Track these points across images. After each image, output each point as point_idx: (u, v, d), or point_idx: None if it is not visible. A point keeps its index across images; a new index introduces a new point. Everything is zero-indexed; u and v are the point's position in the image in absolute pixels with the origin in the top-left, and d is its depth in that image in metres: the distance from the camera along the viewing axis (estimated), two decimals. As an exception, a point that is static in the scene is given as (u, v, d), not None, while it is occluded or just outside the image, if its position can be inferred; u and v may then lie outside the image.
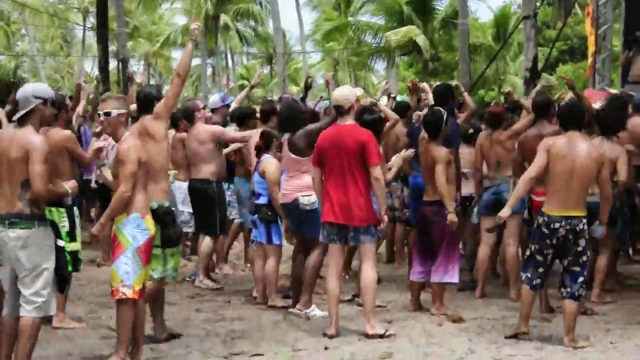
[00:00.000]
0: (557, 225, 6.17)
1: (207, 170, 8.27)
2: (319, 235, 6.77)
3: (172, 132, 9.31)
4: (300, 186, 7.13)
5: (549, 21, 42.68)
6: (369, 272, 6.45)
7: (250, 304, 7.70)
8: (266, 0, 38.23)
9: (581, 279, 6.26)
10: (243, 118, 8.89)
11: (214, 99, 9.62)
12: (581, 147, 6.21)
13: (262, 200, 7.51)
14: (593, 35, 14.11)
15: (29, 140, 5.01)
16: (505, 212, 6.39)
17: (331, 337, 6.39)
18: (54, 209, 6.37)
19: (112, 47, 25.66)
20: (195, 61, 57.82)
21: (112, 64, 24.32)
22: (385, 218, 6.58)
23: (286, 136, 7.33)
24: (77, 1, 48.85)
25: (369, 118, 6.96)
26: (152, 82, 57.51)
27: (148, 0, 27.28)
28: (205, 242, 8.35)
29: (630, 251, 9.73)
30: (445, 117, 7.23)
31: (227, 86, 45.72)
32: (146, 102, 6.23)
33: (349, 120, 6.59)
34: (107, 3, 19.41)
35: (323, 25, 40.95)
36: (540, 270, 6.31)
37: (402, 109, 9.06)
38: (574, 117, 6.39)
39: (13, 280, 5.12)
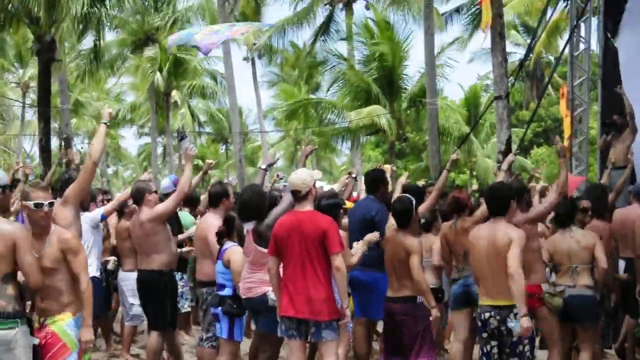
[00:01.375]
0: (487, 315, 6.27)
1: (157, 260, 8.04)
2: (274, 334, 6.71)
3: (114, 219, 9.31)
4: (266, 280, 6.92)
5: (522, 102, 43.86)
6: (329, 371, 6.33)
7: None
8: (222, 77, 38.63)
9: None
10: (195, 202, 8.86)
11: (166, 183, 9.60)
12: (496, 233, 6.40)
13: (227, 292, 7.40)
14: (569, 117, 14.44)
15: (9, 231, 4.98)
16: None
17: None
18: None
19: (54, 125, 25.68)
20: (145, 140, 58.15)
21: (55, 143, 24.31)
22: (348, 312, 6.54)
23: (249, 225, 7.19)
24: (16, 76, 48.90)
25: (327, 203, 7.00)
26: (97, 162, 57.42)
27: (93, 75, 27.34)
28: (153, 338, 8.16)
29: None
30: (414, 204, 7.20)
31: (180, 167, 45.74)
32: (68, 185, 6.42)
33: (308, 206, 6.56)
34: (49, 78, 19.49)
35: (283, 103, 41.46)
36: None
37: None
38: (496, 203, 6.60)
39: None
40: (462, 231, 7.95)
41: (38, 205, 5.43)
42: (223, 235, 7.53)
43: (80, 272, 5.41)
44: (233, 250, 7.36)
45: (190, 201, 10.15)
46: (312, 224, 6.43)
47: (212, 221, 7.95)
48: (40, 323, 5.45)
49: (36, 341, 5.15)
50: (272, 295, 6.89)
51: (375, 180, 8.35)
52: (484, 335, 6.44)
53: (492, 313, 6.37)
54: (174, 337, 8.43)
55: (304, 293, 6.36)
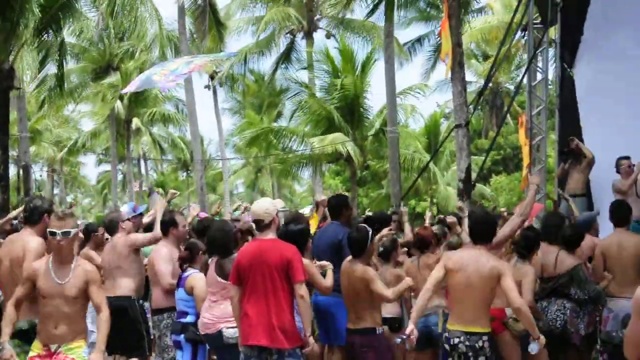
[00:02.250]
0: (456, 340, 6.36)
1: (127, 286, 8.11)
2: None
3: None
4: (225, 314, 6.94)
5: (481, 130, 44.33)
6: (293, 401, 6.32)
7: None
8: (183, 104, 38.58)
9: None
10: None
11: (125, 209, 9.59)
12: (480, 261, 6.43)
13: (190, 319, 7.40)
14: (527, 145, 14.61)
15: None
16: (409, 328, 6.40)
17: None
18: None
19: (12, 153, 25.44)
20: (105, 167, 57.77)
21: (13, 171, 24.06)
22: (312, 340, 6.54)
23: (214, 257, 7.22)
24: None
25: (296, 229, 7.03)
26: (56, 190, 56.93)
27: (54, 103, 27.21)
28: None
29: None
30: (370, 234, 7.14)
31: (140, 193, 45.48)
32: (33, 214, 6.60)
33: (270, 235, 6.56)
34: (7, 107, 19.33)
35: (244, 130, 41.45)
36: None
37: None
38: (483, 230, 6.65)
39: None
40: (425, 267, 8.04)
41: (52, 234, 5.81)
42: (186, 260, 7.54)
43: (101, 302, 5.94)
44: (195, 277, 7.37)
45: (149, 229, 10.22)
46: (275, 252, 6.43)
47: (161, 250, 8.00)
48: (52, 350, 5.81)
49: None
50: (227, 333, 6.92)
51: (339, 206, 8.39)
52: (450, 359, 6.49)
53: (462, 338, 6.41)
54: None
55: (266, 321, 6.34)
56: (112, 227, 8.49)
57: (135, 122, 41.46)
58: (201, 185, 29.14)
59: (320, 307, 7.93)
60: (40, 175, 53.07)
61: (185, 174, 59.13)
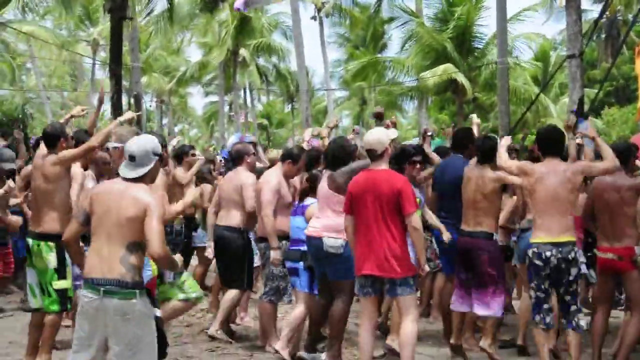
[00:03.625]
0: (548, 254, 6.42)
1: (237, 218, 8.35)
2: (344, 281, 6.81)
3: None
4: (329, 226, 7.12)
5: (593, 60, 42.93)
6: (408, 326, 6.41)
7: (276, 358, 7.69)
8: (290, 31, 38.56)
9: (574, 307, 6.52)
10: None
11: (233, 139, 9.77)
12: (559, 170, 6.59)
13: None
14: (643, 76, 14.07)
15: (145, 198, 4.84)
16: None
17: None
18: (42, 243, 6.56)
19: (123, 83, 26.04)
20: (212, 98, 58.62)
21: (124, 101, 24.65)
22: (427, 267, 6.60)
23: (327, 172, 7.36)
24: (86, 34, 49.52)
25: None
26: (164, 120, 58.23)
27: (165, 33, 27.66)
28: (230, 294, 8.39)
29: None
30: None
31: (246, 124, 46.09)
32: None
33: (383, 165, 6.60)
34: (121, 35, 19.70)
35: (350, 62, 41.30)
36: (546, 306, 6.57)
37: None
38: (551, 143, 6.73)
39: (102, 356, 4.89)
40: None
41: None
42: (307, 192, 7.69)
43: None
44: (315, 206, 7.50)
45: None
46: (387, 183, 6.47)
47: (271, 177, 8.09)
48: None
49: (158, 313, 5.17)
50: (327, 242, 7.08)
51: (464, 140, 8.37)
52: (542, 273, 6.49)
53: (553, 251, 6.41)
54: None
55: (379, 251, 6.41)
56: (238, 158, 8.60)
57: (242, 53, 41.78)
58: (307, 116, 29.23)
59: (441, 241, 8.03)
60: (150, 106, 54.25)
61: (290, 105, 59.46)
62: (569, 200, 6.54)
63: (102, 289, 4.72)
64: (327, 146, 7.84)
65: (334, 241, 7.05)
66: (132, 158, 4.99)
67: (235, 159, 8.68)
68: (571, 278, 6.47)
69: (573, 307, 6.54)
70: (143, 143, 5.07)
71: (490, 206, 7.44)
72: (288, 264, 7.77)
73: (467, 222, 7.50)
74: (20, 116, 17.69)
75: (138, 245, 4.80)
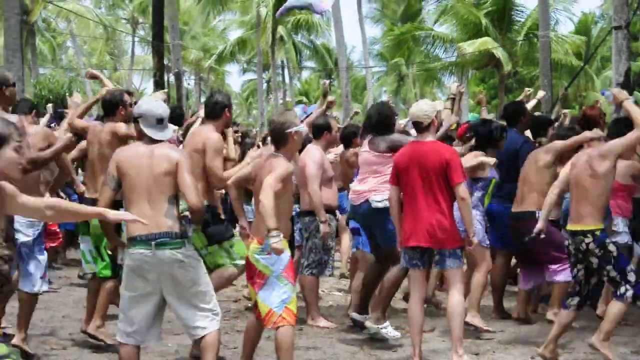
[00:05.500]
0: (587, 240, 6.31)
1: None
2: (396, 248, 6.84)
3: None
4: (372, 187, 7.26)
5: (635, 33, 42.22)
6: (456, 297, 6.39)
7: (324, 333, 7.74)
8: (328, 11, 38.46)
9: (617, 278, 6.30)
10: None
11: (296, 111, 9.76)
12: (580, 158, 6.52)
13: None
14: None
15: (174, 154, 5.17)
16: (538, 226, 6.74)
17: (415, 369, 6.39)
18: None
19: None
20: (250, 75, 58.75)
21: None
22: (475, 240, 6.56)
23: (369, 137, 7.45)
24: (126, 12, 49.78)
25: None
26: (202, 98, 58.46)
27: (203, 12, 27.73)
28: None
29: None
30: None
31: (284, 102, 46.13)
32: (215, 109, 6.84)
33: (430, 137, 6.57)
34: (162, 14, 19.79)
35: (387, 37, 41.04)
36: (577, 288, 6.47)
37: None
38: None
39: (158, 307, 5.19)
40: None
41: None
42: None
43: None
44: None
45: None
46: (434, 154, 6.43)
47: (314, 152, 8.11)
48: None
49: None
50: (374, 198, 7.17)
51: (517, 113, 8.45)
52: (571, 259, 6.52)
53: (569, 240, 6.43)
54: None
55: (427, 222, 6.38)
56: (318, 132, 8.33)
57: (280, 30, 41.77)
58: (346, 92, 29.24)
59: (494, 214, 8.02)
60: (189, 84, 54.53)
61: (329, 82, 59.40)
62: (589, 186, 6.32)
63: (153, 242, 4.97)
64: (369, 110, 7.93)
65: (380, 196, 7.12)
66: (160, 120, 5.27)
67: (315, 133, 8.34)
68: (594, 266, 6.31)
69: (617, 279, 6.28)
70: (167, 107, 5.43)
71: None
72: (352, 224, 7.97)
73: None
74: (67, 93, 17.81)
75: (175, 198, 5.12)
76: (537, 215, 7.19)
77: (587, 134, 6.92)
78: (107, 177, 5.26)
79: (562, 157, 7.46)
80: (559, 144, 7.67)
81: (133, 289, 5.12)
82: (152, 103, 5.44)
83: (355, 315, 7.56)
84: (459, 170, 6.38)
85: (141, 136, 5.34)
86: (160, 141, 5.24)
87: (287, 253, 5.62)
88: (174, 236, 5.02)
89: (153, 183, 5.06)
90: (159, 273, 5.02)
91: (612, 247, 6.26)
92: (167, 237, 5.00)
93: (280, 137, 5.83)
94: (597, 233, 6.24)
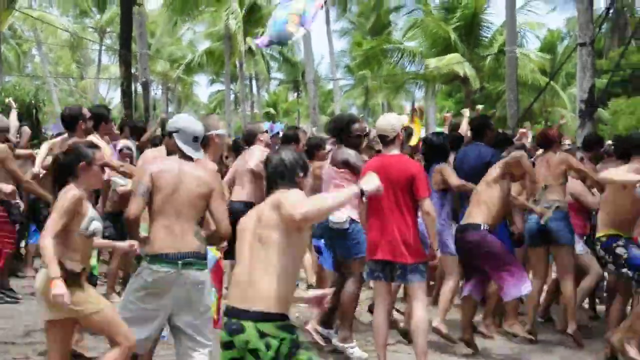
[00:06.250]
0: (619, 243, 6.55)
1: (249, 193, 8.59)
2: (352, 260, 6.87)
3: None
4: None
5: (600, 50, 42.70)
6: (419, 313, 6.37)
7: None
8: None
9: None
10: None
11: (263, 127, 10.00)
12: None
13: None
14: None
15: (208, 178, 5.15)
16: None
17: (379, 382, 6.39)
18: None
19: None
20: (218, 87, 58.55)
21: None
22: (438, 253, 6.58)
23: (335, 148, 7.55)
24: (94, 21, 49.45)
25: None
26: (170, 108, 58.22)
27: (171, 22, 27.60)
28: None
29: None
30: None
31: (252, 115, 46.06)
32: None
33: (395, 150, 6.59)
34: (131, 23, 19.72)
35: (355, 51, 41.16)
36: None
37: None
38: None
39: (157, 329, 5.16)
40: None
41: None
42: None
43: None
44: None
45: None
46: (400, 167, 6.44)
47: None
48: None
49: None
50: (332, 218, 7.05)
51: (482, 127, 8.52)
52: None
53: (621, 242, 6.55)
54: None
55: (391, 236, 6.39)
56: (250, 138, 8.88)
57: (249, 41, 41.70)
58: (314, 104, 29.26)
59: None
60: (155, 93, 54.27)
61: (296, 94, 59.37)
62: (606, 195, 6.71)
63: (180, 262, 4.93)
64: (330, 120, 8.02)
65: (338, 216, 7.04)
66: (195, 139, 5.26)
67: (247, 139, 9.00)
68: (614, 271, 6.70)
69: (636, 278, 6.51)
70: (196, 124, 5.36)
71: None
72: (314, 241, 7.87)
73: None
74: (32, 101, 17.64)
75: (201, 220, 5.13)
76: (482, 228, 7.17)
77: (515, 154, 7.25)
78: (139, 187, 5.12)
79: (512, 174, 7.48)
80: (505, 159, 7.80)
81: (142, 304, 5.03)
82: (191, 120, 5.41)
83: (320, 328, 7.55)
84: (424, 184, 6.39)
85: (173, 151, 5.35)
86: (191, 159, 5.20)
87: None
88: (201, 257, 5.04)
89: (187, 204, 5.03)
90: (178, 293, 4.97)
91: (620, 251, 6.38)
92: (194, 257, 4.98)
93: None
94: (603, 239, 6.42)
